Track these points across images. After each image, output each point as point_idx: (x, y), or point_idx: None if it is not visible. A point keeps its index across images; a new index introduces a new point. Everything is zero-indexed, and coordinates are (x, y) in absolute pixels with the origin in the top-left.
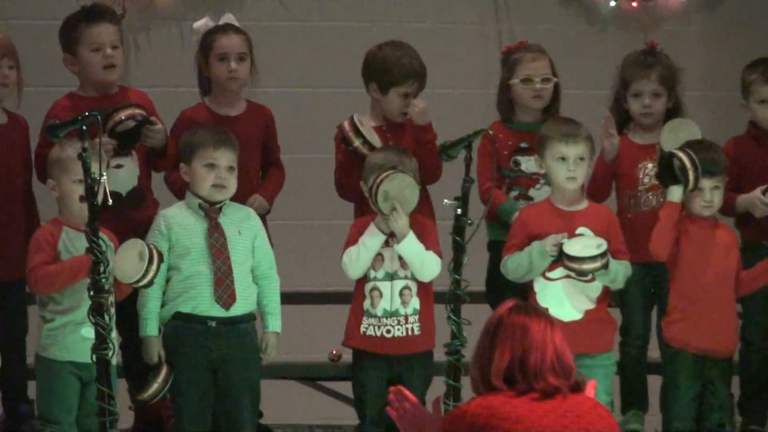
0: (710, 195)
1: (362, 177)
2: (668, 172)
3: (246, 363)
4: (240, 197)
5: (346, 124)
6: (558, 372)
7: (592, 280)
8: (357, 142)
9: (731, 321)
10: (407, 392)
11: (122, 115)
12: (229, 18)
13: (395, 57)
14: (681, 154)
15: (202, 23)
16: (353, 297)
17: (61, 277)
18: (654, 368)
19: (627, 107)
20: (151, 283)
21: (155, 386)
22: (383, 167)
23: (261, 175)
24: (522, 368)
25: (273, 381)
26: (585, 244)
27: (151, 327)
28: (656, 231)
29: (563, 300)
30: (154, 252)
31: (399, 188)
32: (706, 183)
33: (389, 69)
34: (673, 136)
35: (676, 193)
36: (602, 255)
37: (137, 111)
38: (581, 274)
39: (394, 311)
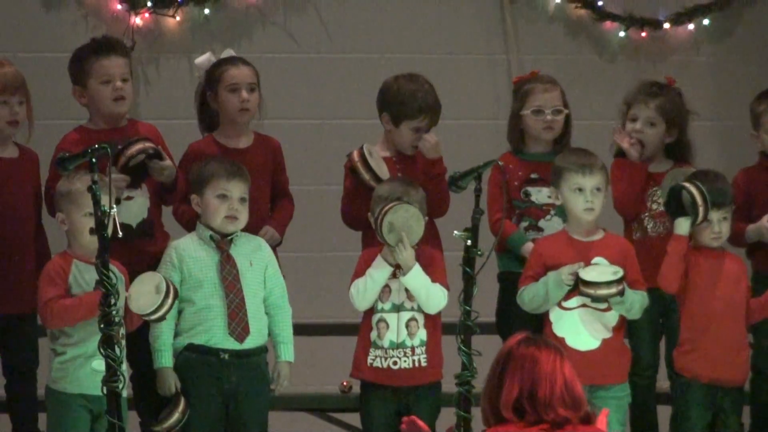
0: (719, 227)
1: (369, 208)
2: (677, 204)
3: (256, 395)
4: (250, 229)
5: (356, 154)
6: (568, 403)
7: (609, 309)
8: (365, 175)
9: (742, 350)
10: (420, 422)
11: (134, 149)
12: (229, 53)
13: (410, 90)
14: (692, 188)
15: (205, 58)
16: (360, 328)
17: (78, 312)
18: (663, 398)
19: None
20: (164, 317)
21: (176, 416)
22: (389, 199)
23: (270, 207)
24: (531, 400)
25: (283, 413)
26: (601, 270)
27: (165, 358)
28: (665, 265)
29: (580, 329)
30: (171, 286)
31: (404, 219)
32: (714, 215)
33: (403, 102)
34: (669, 184)
35: (683, 226)
36: (618, 281)
37: (148, 145)
38: (597, 300)
39: (400, 343)
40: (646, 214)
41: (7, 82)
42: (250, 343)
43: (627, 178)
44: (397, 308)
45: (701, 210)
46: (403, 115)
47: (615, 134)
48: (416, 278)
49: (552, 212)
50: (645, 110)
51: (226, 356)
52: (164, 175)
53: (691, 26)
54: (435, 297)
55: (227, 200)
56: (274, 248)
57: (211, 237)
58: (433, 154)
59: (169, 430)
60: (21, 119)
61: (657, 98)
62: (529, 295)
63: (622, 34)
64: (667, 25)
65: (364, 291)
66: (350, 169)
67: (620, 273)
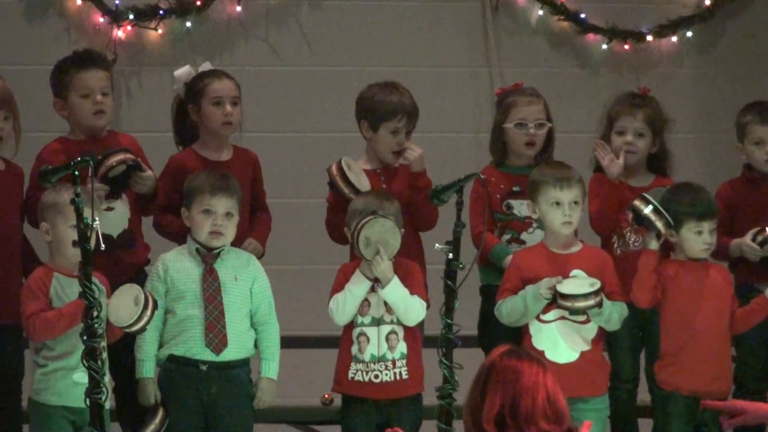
0: (710, 237)
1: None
2: (641, 221)
3: (237, 409)
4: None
5: (334, 168)
6: (550, 417)
7: (587, 321)
8: (344, 189)
9: (725, 362)
10: None
11: (113, 160)
12: (207, 66)
13: (383, 94)
14: (640, 205)
15: (184, 71)
16: (341, 342)
17: (59, 323)
18: (643, 411)
19: (611, 145)
20: (143, 329)
21: (152, 427)
22: (364, 212)
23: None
24: (513, 414)
25: (265, 425)
26: (578, 283)
27: (147, 368)
28: (636, 280)
29: (558, 341)
30: (150, 298)
31: (379, 233)
32: (706, 225)
33: (377, 105)
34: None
35: (652, 241)
36: (595, 293)
37: (128, 156)
38: (575, 312)
39: (381, 356)
40: (628, 229)
41: None
42: (230, 355)
43: (603, 195)
44: (377, 322)
45: (659, 223)
46: (379, 119)
47: (596, 149)
48: (394, 291)
49: (534, 225)
50: (633, 122)
51: (205, 368)
52: (146, 187)
53: (674, 38)
54: (413, 309)
55: (211, 215)
56: None
57: (197, 250)
58: (418, 167)
59: None
60: (5, 135)
61: (642, 109)
62: (507, 309)
63: (605, 46)
64: (650, 38)
65: (344, 305)
66: (328, 183)
67: (597, 285)
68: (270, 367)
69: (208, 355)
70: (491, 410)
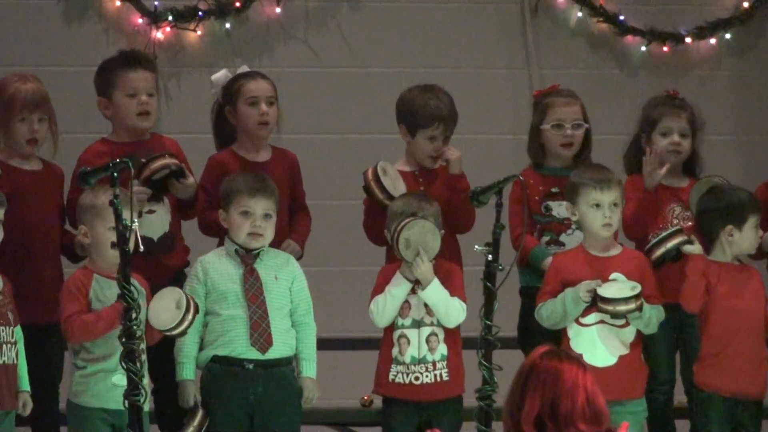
0: (755, 233)
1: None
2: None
3: (284, 407)
4: (270, 242)
5: (369, 173)
6: (588, 418)
7: (626, 325)
8: (378, 194)
9: (762, 363)
10: None
11: (158, 164)
12: (245, 69)
13: (423, 99)
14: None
15: (221, 75)
16: (381, 344)
17: (98, 326)
18: (679, 412)
19: (651, 147)
20: (184, 332)
21: (191, 429)
22: (403, 214)
23: (288, 220)
24: (552, 416)
25: (305, 427)
26: (619, 287)
27: (187, 371)
28: (685, 286)
29: (597, 345)
30: (191, 301)
31: (420, 235)
32: (752, 220)
33: (416, 111)
34: (697, 194)
35: (693, 247)
36: (636, 297)
37: (172, 161)
38: (615, 316)
39: (422, 358)
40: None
41: (26, 99)
42: (275, 353)
43: (638, 201)
44: (418, 324)
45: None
46: (417, 125)
47: (648, 155)
48: (435, 292)
49: (573, 226)
50: (678, 122)
51: (251, 366)
52: (187, 193)
53: (713, 40)
54: (454, 311)
55: (250, 217)
56: None
57: (236, 251)
58: (456, 169)
59: None
60: (40, 137)
61: (685, 110)
62: (547, 312)
63: (643, 48)
64: (689, 40)
65: (384, 308)
66: (363, 187)
67: (638, 288)
68: (311, 367)
69: (253, 354)
70: (531, 412)
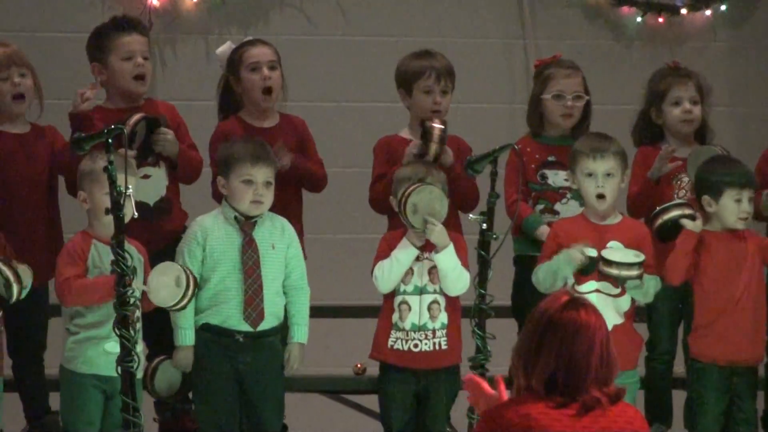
0: (749, 206)
1: (391, 191)
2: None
3: (270, 375)
4: (277, 209)
5: (438, 123)
6: (600, 379)
7: (623, 293)
8: (434, 146)
9: (759, 330)
10: (479, 380)
11: (132, 121)
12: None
13: (417, 58)
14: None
15: (225, 48)
16: (381, 310)
17: (96, 293)
18: (678, 383)
19: (662, 119)
20: (185, 307)
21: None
22: (411, 180)
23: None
24: (566, 377)
25: (297, 394)
26: (624, 253)
27: (189, 336)
28: (670, 258)
29: None
30: (191, 277)
31: (428, 200)
32: (746, 194)
33: (410, 67)
34: (694, 162)
35: (691, 223)
36: (639, 264)
37: (143, 115)
38: (618, 280)
39: (422, 325)
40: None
41: (1, 60)
42: (265, 325)
43: (645, 182)
44: (420, 291)
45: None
46: (410, 80)
47: (662, 154)
48: (450, 258)
49: (568, 195)
50: (687, 90)
51: (241, 338)
52: (168, 145)
53: (708, 12)
54: (463, 279)
55: (252, 185)
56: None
57: (235, 218)
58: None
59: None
60: (26, 91)
61: (692, 78)
62: (543, 274)
63: (639, 19)
64: (684, 11)
65: (389, 273)
66: (422, 135)
67: (642, 257)
68: (302, 332)
69: (244, 327)
70: (544, 370)
